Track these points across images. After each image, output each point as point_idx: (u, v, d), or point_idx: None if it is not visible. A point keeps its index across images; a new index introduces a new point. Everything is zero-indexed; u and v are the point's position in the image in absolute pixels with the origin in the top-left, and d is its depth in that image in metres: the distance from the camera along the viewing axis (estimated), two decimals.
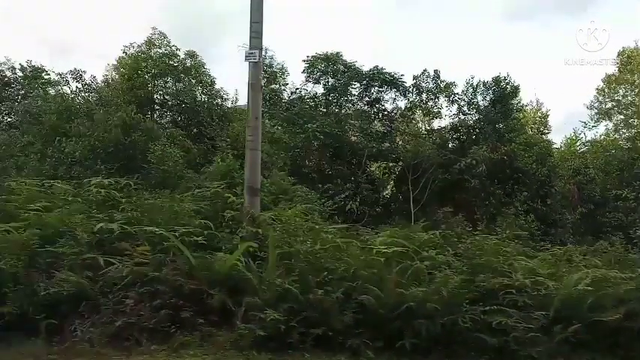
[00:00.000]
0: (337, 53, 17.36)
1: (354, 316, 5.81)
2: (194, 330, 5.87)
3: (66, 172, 11.70)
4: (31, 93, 29.76)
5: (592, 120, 29.65)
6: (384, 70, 16.96)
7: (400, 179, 17.71)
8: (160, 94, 16.24)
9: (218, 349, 5.59)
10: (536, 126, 23.59)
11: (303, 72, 17.45)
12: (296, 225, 6.97)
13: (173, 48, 16.04)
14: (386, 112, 17.45)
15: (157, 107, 16.25)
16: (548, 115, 26.11)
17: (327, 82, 17.58)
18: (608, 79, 30.85)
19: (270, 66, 17.79)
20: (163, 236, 6.68)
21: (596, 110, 30.11)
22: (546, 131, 26.07)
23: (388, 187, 18.00)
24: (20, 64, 30.66)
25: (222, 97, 16.88)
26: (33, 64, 30.29)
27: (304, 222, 7.41)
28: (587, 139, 26.09)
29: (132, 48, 16.21)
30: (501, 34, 42.02)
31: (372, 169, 18.43)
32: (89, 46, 46.22)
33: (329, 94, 17.68)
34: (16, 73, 30.03)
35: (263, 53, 17.76)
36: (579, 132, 26.16)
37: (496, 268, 6.46)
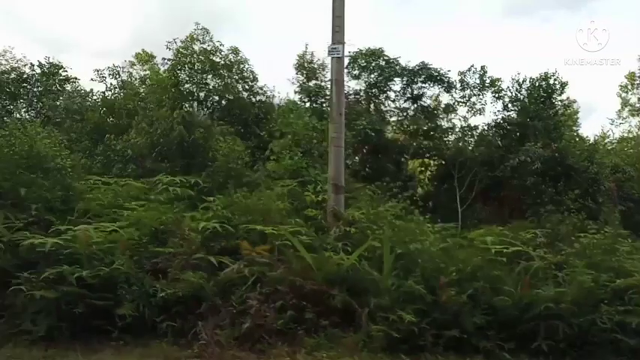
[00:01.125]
0: (379, 49, 17.25)
1: (484, 317, 5.74)
2: (318, 331, 5.79)
3: (120, 170, 11.58)
4: (52, 89, 29.74)
5: (619, 117, 29.57)
6: (430, 66, 16.84)
7: (442, 177, 17.62)
8: (203, 91, 16.07)
9: (350, 351, 5.50)
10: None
11: (346, 67, 17.30)
12: (404, 225, 6.87)
13: (217, 44, 15.96)
14: (428, 109, 17.32)
15: (198, 104, 16.11)
16: (578, 112, 26.04)
17: (368, 77, 17.45)
18: (631, 76, 30.71)
19: (311, 62, 17.67)
20: (275, 235, 6.62)
21: (623, 107, 30.00)
22: (575, 128, 26.03)
23: (424, 185, 17.93)
24: (38, 60, 30.53)
25: (265, 94, 16.75)
26: (50, 60, 30.28)
27: (410, 221, 7.30)
28: (615, 135, 26.01)
29: (175, 44, 16.08)
30: (501, 29, 41.74)
31: (410, 166, 18.35)
32: (83, 44, 45.90)
33: (370, 90, 17.56)
34: (34, 70, 29.97)
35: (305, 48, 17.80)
36: (606, 129, 25.98)
37: (614, 266, 6.39)
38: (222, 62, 15.79)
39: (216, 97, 16.03)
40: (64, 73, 30.49)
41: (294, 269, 6.23)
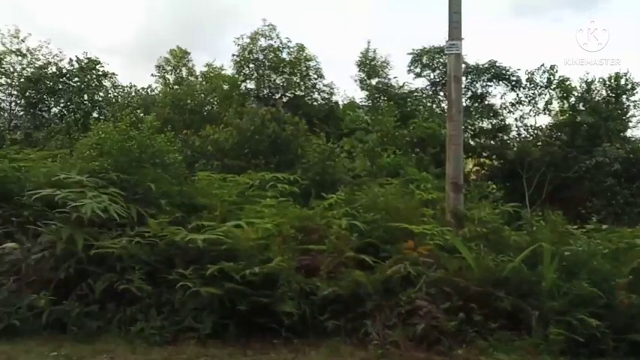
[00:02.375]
0: (442, 47, 17.09)
1: None
2: (487, 334, 5.68)
3: (204, 166, 11.54)
4: (91, 85, 29.87)
5: None
6: (498, 64, 16.66)
7: (505, 177, 17.44)
8: (265, 88, 16.02)
9: (530, 354, 5.39)
10: None
11: (409, 66, 17.28)
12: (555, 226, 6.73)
13: (285, 40, 15.89)
14: (493, 107, 17.16)
15: (259, 100, 16.06)
16: None
17: (430, 75, 17.34)
18: None
19: (373, 59, 17.55)
20: (423, 234, 6.52)
21: None
22: None
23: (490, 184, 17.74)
24: (76, 55, 30.69)
25: (329, 91, 16.68)
26: (88, 56, 30.40)
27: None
28: None
29: (242, 39, 16.02)
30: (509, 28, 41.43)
31: (469, 166, 18.19)
32: (88, 40, 46.17)
33: (433, 88, 17.45)
34: (73, 65, 30.09)
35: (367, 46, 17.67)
36: None
37: None
38: (289, 59, 15.69)
39: (278, 94, 15.93)
40: (100, 69, 30.86)
41: (451, 270, 6.14)
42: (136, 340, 5.56)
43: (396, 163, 10.25)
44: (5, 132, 29.68)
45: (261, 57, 15.68)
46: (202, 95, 14.96)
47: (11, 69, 30.73)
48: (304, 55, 16.03)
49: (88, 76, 29.97)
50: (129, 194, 7.16)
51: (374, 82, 17.14)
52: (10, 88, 30.87)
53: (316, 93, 16.11)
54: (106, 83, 30.57)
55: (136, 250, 6.03)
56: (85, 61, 30.29)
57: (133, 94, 26.22)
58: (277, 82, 15.76)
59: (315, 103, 15.77)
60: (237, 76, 14.69)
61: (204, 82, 18.69)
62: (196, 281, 5.76)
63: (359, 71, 17.35)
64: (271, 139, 11.09)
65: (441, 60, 17.05)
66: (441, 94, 17.42)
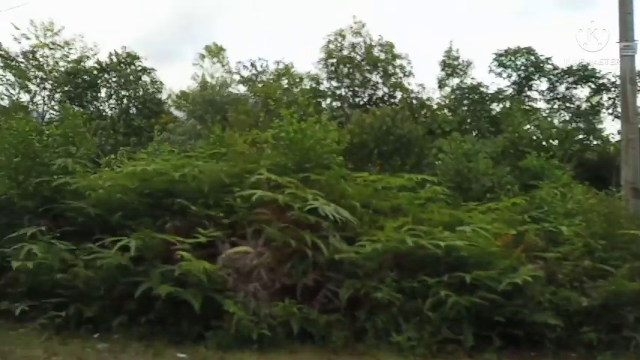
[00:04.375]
0: (528, 48, 16.88)
1: None
2: None
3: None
4: (130, 80, 29.38)
5: None
6: (589, 66, 16.45)
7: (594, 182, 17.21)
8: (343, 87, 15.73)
9: None
10: None
11: (498, 67, 17.03)
12: None
13: (379, 38, 15.54)
14: (579, 110, 16.96)
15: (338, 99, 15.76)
16: None
17: (511, 76, 17.13)
18: None
19: (457, 58, 17.31)
20: None
21: None
22: None
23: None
24: (115, 50, 30.18)
25: (407, 90, 16.38)
26: (127, 50, 29.90)
27: None
28: None
29: (337, 38, 15.66)
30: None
31: None
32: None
33: (513, 88, 17.23)
34: (112, 59, 29.58)
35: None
36: None
37: None
38: (382, 57, 15.40)
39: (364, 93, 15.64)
40: (138, 63, 30.39)
41: None
42: (395, 351, 5.26)
43: (540, 166, 9.98)
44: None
45: (352, 55, 15.37)
46: (285, 96, 14.61)
47: (45, 62, 30.23)
48: (395, 53, 15.79)
49: (127, 71, 29.52)
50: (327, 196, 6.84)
51: (455, 81, 16.93)
52: (44, 82, 30.33)
53: (403, 92, 15.86)
54: (145, 78, 30.17)
55: (374, 256, 5.72)
56: (124, 55, 29.87)
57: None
58: (371, 80, 15.48)
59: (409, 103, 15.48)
60: (318, 74, 14.44)
61: (283, 81, 18.33)
62: (446, 290, 5.48)
63: (441, 70, 17.16)
64: (401, 139, 10.78)
65: (523, 60, 16.86)
66: (526, 93, 17.18)
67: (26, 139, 7.53)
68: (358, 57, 15.35)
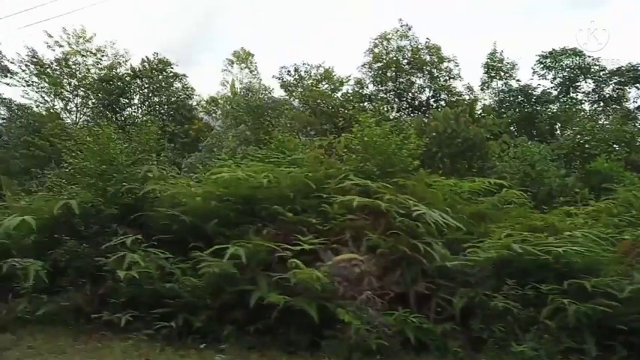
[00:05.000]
0: (574, 48, 16.61)
1: None
2: None
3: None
4: (162, 85, 29.56)
5: None
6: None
7: None
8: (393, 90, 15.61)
9: None
10: None
11: (542, 69, 16.78)
12: None
13: (426, 40, 15.41)
14: (629, 111, 16.61)
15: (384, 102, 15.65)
16: None
17: (555, 78, 16.83)
18: None
19: (501, 61, 17.08)
20: None
21: None
22: None
23: None
24: (146, 56, 30.40)
25: (455, 93, 16.19)
26: (159, 57, 30.08)
27: None
28: None
29: (386, 41, 15.56)
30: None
31: None
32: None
33: (557, 89, 16.94)
34: (144, 66, 29.78)
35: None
36: None
37: None
38: (430, 59, 15.26)
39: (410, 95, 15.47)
40: (169, 70, 30.57)
41: None
42: None
43: (609, 169, 9.73)
44: None
45: (399, 58, 15.25)
46: (335, 100, 14.54)
47: (77, 69, 30.55)
48: (441, 55, 15.64)
49: (159, 77, 29.70)
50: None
51: (499, 83, 16.71)
52: (77, 89, 30.65)
53: (450, 96, 15.71)
54: (177, 84, 30.33)
55: (488, 264, 5.58)
56: (156, 62, 30.06)
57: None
58: (418, 83, 15.36)
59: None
60: (363, 78, 14.33)
61: (328, 86, 18.25)
62: (563, 298, 5.30)
63: (484, 73, 16.95)
64: (466, 142, 10.62)
65: (568, 62, 16.58)
66: (570, 95, 16.87)
67: (108, 148, 7.55)
68: (405, 60, 15.22)
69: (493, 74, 16.92)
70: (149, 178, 7.27)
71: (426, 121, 11.59)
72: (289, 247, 5.69)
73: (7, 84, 28.80)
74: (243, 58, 34.13)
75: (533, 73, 17.37)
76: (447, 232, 6.22)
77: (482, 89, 17.08)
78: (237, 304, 5.73)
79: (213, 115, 33.81)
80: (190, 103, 30.32)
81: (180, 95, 29.54)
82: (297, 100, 19.02)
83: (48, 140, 23.83)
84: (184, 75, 30.06)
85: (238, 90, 32.93)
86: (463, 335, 5.38)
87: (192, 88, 30.39)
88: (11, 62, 28.66)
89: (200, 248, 6.18)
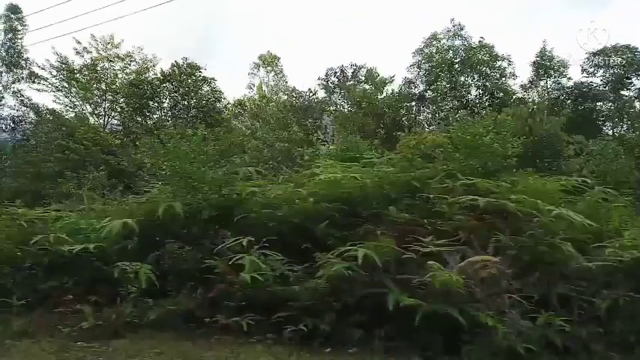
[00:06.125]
0: (627, 45, 16.31)
1: None
2: None
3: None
4: (191, 89, 29.58)
5: None
6: None
7: None
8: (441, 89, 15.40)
9: None
10: None
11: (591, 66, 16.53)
12: None
13: (480, 39, 15.22)
14: None
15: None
16: None
17: (606, 74, 16.54)
18: None
19: (551, 59, 16.81)
20: None
21: None
22: None
23: None
24: (175, 60, 30.47)
25: (509, 92, 15.92)
26: (188, 61, 30.10)
27: None
28: None
29: (436, 40, 15.41)
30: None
31: None
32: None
33: (608, 86, 16.63)
34: (174, 70, 29.82)
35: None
36: None
37: None
38: (482, 58, 15.05)
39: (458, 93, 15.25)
40: (198, 74, 30.58)
41: None
42: None
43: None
44: None
45: (451, 57, 15.06)
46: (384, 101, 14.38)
47: (104, 75, 30.64)
48: (493, 54, 15.43)
49: (188, 81, 29.70)
50: None
51: (550, 82, 16.46)
52: (105, 94, 30.74)
53: (505, 94, 15.49)
54: (205, 88, 30.33)
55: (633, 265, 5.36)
56: (185, 66, 30.08)
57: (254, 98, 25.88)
58: (469, 82, 15.18)
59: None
60: (412, 78, 14.16)
61: (371, 86, 18.10)
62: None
63: (532, 71, 16.71)
64: (543, 140, 10.40)
65: (617, 59, 16.29)
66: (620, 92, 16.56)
67: (201, 150, 7.46)
68: (458, 59, 15.06)
69: (542, 72, 16.68)
70: (248, 179, 7.14)
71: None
72: (419, 248, 5.50)
73: (37, 90, 29.03)
74: (269, 61, 34.18)
75: (582, 70, 17.16)
76: (569, 233, 6.00)
77: (529, 87, 16.83)
78: (359, 307, 5.57)
79: (240, 117, 33.88)
80: (218, 106, 30.29)
81: (210, 98, 29.54)
82: (345, 102, 18.88)
83: (82, 144, 23.94)
84: (213, 78, 30.12)
85: (265, 92, 32.96)
86: (607, 338, 5.17)
87: (220, 92, 30.42)
88: (42, 68, 28.88)
89: (310, 250, 6.05)
